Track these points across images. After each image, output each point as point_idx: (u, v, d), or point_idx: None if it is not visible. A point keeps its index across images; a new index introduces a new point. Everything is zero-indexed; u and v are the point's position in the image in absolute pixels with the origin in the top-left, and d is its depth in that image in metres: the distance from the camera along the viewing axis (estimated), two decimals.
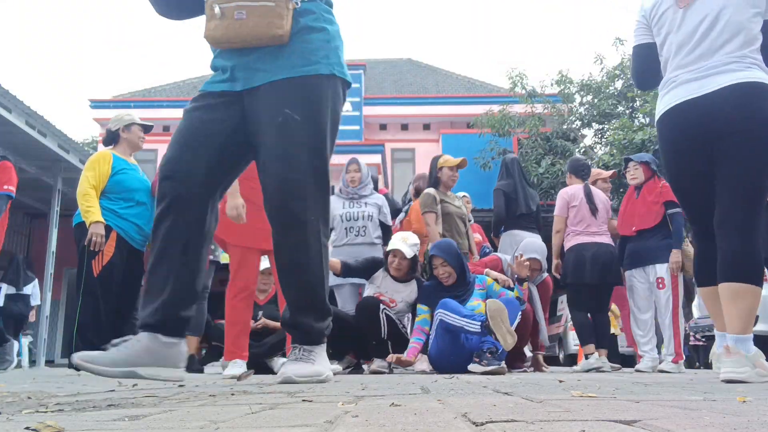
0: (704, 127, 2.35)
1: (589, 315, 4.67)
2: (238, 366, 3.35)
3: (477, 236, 5.42)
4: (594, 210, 4.68)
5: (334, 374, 3.22)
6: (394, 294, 4.12)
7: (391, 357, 3.69)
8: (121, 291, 4.03)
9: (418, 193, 5.15)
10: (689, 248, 4.38)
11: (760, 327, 5.39)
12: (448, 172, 4.80)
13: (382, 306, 4.01)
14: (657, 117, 2.55)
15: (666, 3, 2.54)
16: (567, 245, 4.75)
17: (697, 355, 8.50)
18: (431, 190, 4.72)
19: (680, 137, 2.44)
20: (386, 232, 4.82)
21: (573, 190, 4.86)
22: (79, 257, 4.00)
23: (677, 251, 4.32)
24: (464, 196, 5.63)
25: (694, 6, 2.45)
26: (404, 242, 4.02)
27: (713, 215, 2.39)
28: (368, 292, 4.19)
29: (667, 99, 2.49)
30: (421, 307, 3.96)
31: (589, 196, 4.74)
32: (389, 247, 4.06)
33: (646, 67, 2.67)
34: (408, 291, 4.13)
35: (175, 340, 1.90)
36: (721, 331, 2.52)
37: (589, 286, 4.62)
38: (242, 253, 3.55)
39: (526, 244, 4.31)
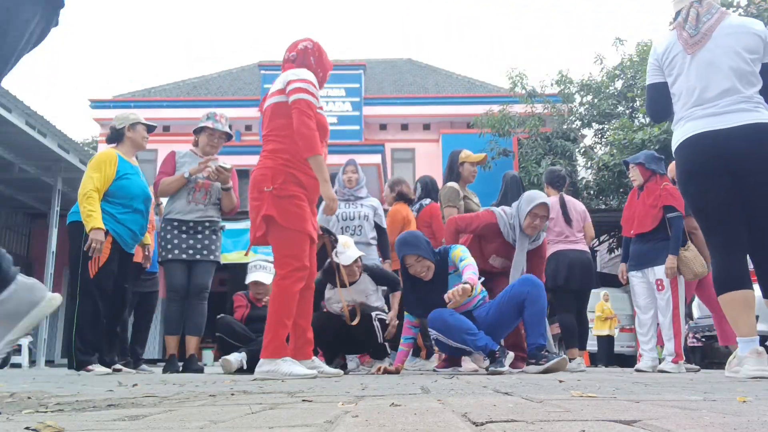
0: (720, 157, 2.69)
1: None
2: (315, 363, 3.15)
3: None
4: (569, 220, 4.92)
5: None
6: (358, 295, 4.09)
7: (378, 369, 3.59)
8: (113, 292, 4.06)
9: (401, 196, 5.03)
10: (688, 252, 4.36)
11: (761, 327, 5.40)
12: (470, 167, 4.75)
13: (374, 314, 4.00)
14: (678, 144, 2.85)
15: (676, 48, 2.89)
16: (547, 253, 4.81)
17: (694, 357, 8.48)
18: (454, 185, 4.63)
19: (698, 161, 2.76)
20: (381, 234, 4.79)
21: (550, 201, 4.90)
22: (74, 257, 4.01)
23: (673, 257, 4.30)
24: None
25: (700, 53, 2.80)
26: (352, 246, 3.98)
27: (728, 228, 2.73)
28: (335, 308, 4.06)
29: (686, 128, 2.79)
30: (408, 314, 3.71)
31: (564, 207, 4.96)
32: (348, 261, 3.88)
33: (659, 102, 3.02)
34: (365, 282, 4.12)
35: (6, 293, 1.51)
36: (744, 336, 2.67)
37: (568, 291, 4.84)
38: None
39: (530, 194, 4.04)
